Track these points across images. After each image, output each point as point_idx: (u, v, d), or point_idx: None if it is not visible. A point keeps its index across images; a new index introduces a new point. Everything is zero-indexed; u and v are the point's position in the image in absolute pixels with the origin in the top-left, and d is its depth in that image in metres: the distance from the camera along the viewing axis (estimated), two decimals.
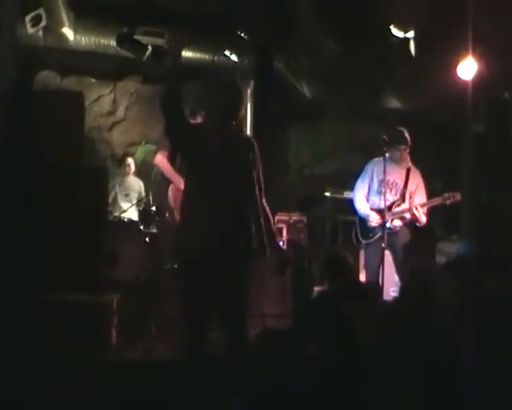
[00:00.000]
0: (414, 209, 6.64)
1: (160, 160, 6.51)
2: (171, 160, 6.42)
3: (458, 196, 6.61)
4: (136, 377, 4.78)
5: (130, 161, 8.94)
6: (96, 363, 4.96)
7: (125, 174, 8.88)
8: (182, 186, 6.35)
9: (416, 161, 7.04)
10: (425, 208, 6.75)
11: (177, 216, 6.38)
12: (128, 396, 4.51)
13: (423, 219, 6.68)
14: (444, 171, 9.28)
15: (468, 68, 7.34)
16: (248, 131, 9.42)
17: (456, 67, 7.41)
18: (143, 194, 8.71)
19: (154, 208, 7.19)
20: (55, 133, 6.01)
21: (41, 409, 4.37)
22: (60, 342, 4.97)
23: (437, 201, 6.74)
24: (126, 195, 8.70)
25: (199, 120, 6.76)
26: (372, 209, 6.76)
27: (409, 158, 6.87)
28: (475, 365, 2.51)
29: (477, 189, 8.40)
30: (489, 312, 2.45)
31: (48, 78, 9.40)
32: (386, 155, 6.66)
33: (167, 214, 6.50)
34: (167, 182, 6.58)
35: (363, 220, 6.79)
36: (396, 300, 3.09)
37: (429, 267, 6.86)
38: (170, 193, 6.52)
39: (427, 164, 7.15)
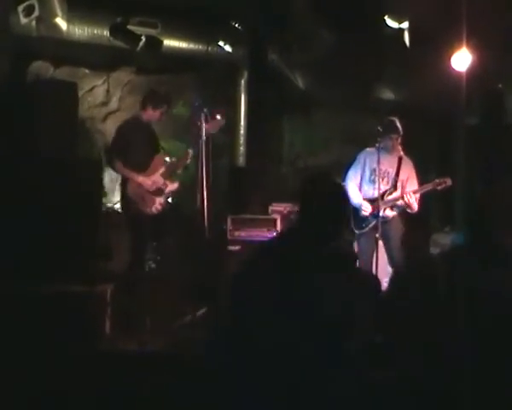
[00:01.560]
0: (406, 196, 6.67)
1: (119, 168, 6.83)
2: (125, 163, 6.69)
3: (449, 182, 6.67)
4: (131, 367, 4.78)
5: None
6: (90, 354, 4.95)
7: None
8: (137, 179, 6.54)
9: (411, 153, 7.06)
10: (417, 196, 6.77)
11: (139, 206, 6.51)
12: (122, 387, 4.50)
13: (415, 205, 6.71)
14: (438, 162, 9.29)
15: (462, 59, 7.34)
16: (242, 122, 9.41)
17: (450, 59, 7.42)
18: None
19: None
20: (49, 124, 5.99)
21: (35, 400, 4.36)
22: (53, 333, 4.96)
23: (428, 187, 6.79)
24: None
25: (148, 111, 6.80)
26: (365, 199, 6.79)
27: (400, 147, 6.89)
28: (471, 360, 2.50)
29: (471, 180, 8.41)
30: (484, 305, 2.44)
31: (41, 68, 9.34)
32: (379, 144, 6.69)
33: (132, 208, 6.60)
34: (125, 180, 6.70)
35: (356, 210, 6.80)
36: (388, 291, 3.08)
37: (423, 258, 6.86)
38: (129, 189, 6.59)
39: (422, 155, 7.16)
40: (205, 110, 6.58)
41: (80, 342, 4.97)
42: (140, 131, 6.87)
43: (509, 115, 8.46)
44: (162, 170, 6.83)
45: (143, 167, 6.74)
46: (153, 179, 6.72)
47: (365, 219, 6.76)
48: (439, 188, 6.69)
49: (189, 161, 6.96)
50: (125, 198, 6.76)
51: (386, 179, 6.85)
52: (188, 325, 6.09)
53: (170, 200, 7.19)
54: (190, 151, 6.89)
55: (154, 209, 6.70)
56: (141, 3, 8.36)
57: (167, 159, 7.14)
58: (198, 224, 6.46)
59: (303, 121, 10.23)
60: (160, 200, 6.76)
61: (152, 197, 6.70)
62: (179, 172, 7.19)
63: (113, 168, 6.87)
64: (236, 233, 7.46)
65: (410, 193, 6.69)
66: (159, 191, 6.78)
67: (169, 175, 6.94)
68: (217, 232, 7.23)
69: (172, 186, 6.97)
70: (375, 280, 4.11)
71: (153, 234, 6.86)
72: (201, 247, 6.66)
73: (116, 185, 8.54)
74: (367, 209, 6.71)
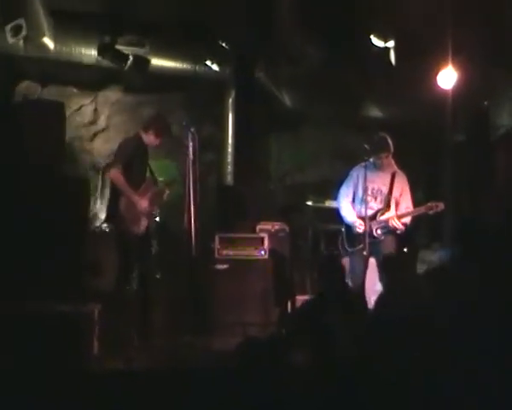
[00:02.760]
0: (392, 221, 6.66)
1: (115, 175, 6.58)
2: (124, 175, 6.53)
3: (442, 206, 6.62)
4: (118, 386, 4.75)
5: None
6: (78, 373, 4.92)
7: (106, 185, 8.84)
8: (134, 199, 6.49)
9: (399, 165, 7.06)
10: (408, 217, 6.76)
11: (129, 225, 6.47)
12: (110, 406, 4.48)
13: (401, 227, 6.70)
14: (425, 178, 9.33)
15: (447, 77, 7.40)
16: (230, 141, 9.43)
17: (436, 76, 7.48)
18: None
19: None
20: (37, 143, 5.99)
21: None
22: (41, 353, 4.93)
23: (420, 210, 6.74)
24: None
25: (151, 135, 6.78)
26: (358, 217, 6.76)
27: (393, 162, 6.89)
28: (458, 374, 2.51)
29: (458, 196, 8.46)
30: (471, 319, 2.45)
31: (29, 88, 9.34)
32: (370, 160, 6.70)
33: (121, 225, 6.54)
34: (118, 194, 6.61)
35: (350, 228, 6.79)
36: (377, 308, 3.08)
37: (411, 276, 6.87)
38: (121, 205, 6.53)
39: (409, 172, 7.16)
40: (192, 129, 6.59)
41: (67, 362, 4.94)
42: (140, 152, 6.82)
43: (494, 132, 8.52)
44: (150, 194, 6.80)
45: (137, 187, 6.70)
46: (146, 202, 6.67)
47: (358, 237, 6.73)
48: (431, 212, 6.65)
49: (165, 196, 6.93)
50: (115, 214, 6.70)
51: (379, 198, 6.82)
52: (175, 343, 6.08)
53: (157, 219, 7.18)
54: (167, 191, 6.90)
55: (141, 229, 6.66)
56: (128, 23, 8.38)
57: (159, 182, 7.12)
58: (185, 243, 6.45)
59: (290, 138, 10.26)
60: (146, 221, 6.72)
61: (141, 217, 6.66)
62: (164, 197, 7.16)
63: (115, 181, 6.74)
64: (224, 252, 7.45)
65: (395, 218, 6.68)
66: (148, 213, 6.74)
67: (156, 200, 6.89)
68: (204, 251, 7.21)
69: (157, 212, 6.96)
70: None
71: (139, 252, 6.82)
72: (188, 266, 6.66)
73: (104, 205, 8.56)
74: (361, 227, 6.66)
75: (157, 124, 6.88)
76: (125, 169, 6.56)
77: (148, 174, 6.89)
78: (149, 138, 6.81)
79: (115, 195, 6.69)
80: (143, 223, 6.64)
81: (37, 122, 6.11)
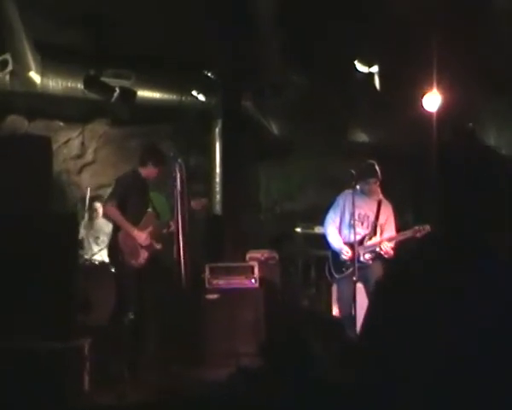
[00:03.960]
0: (383, 244, 6.66)
1: (110, 210, 6.64)
2: (121, 209, 6.56)
3: (428, 228, 6.63)
4: None
5: (97, 205, 8.86)
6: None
7: (94, 218, 8.82)
8: (132, 232, 6.49)
9: (385, 193, 7.07)
10: (393, 242, 6.76)
11: (127, 259, 6.47)
12: None
13: (391, 253, 6.69)
14: (412, 202, 9.35)
15: (432, 100, 7.45)
16: (218, 170, 9.44)
17: (421, 100, 7.52)
18: None
19: None
20: (24, 178, 5.96)
21: None
22: (30, 389, 4.88)
23: (407, 234, 6.74)
24: (97, 237, 8.64)
25: (149, 168, 6.79)
26: (345, 243, 6.74)
27: (379, 190, 6.90)
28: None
29: (444, 218, 8.46)
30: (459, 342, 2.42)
31: (15, 122, 9.36)
32: (357, 187, 6.70)
33: (119, 257, 6.54)
34: (116, 229, 6.64)
35: (336, 254, 6.77)
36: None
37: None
38: (120, 239, 6.54)
39: (395, 195, 7.18)
40: (179, 160, 6.60)
41: (57, 400, 4.89)
42: (138, 186, 6.84)
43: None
44: (151, 228, 6.80)
45: (136, 222, 6.72)
46: (145, 235, 6.67)
47: (345, 263, 6.70)
48: (418, 235, 6.64)
49: (165, 230, 6.96)
50: (113, 247, 6.71)
51: (365, 224, 6.82)
52: (167, 376, 6.03)
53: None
54: (172, 225, 6.90)
55: (140, 262, 6.65)
56: (114, 55, 8.41)
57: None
58: (176, 274, 6.43)
59: (278, 167, 10.29)
60: (145, 254, 6.71)
61: (140, 250, 6.67)
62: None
63: (111, 215, 6.77)
64: (214, 281, 7.41)
65: (386, 243, 6.67)
66: (147, 246, 6.73)
67: (156, 235, 6.89)
68: (195, 282, 7.18)
69: (158, 245, 6.92)
70: None
71: (135, 286, 6.80)
72: (180, 297, 6.62)
73: (92, 239, 8.54)
74: (347, 254, 6.64)
75: (154, 154, 6.91)
76: (122, 204, 6.59)
77: (149, 208, 6.93)
78: (148, 171, 6.83)
79: (114, 227, 6.73)
80: (142, 256, 6.63)
81: (24, 157, 6.07)
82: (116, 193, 6.69)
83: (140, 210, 6.82)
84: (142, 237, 6.61)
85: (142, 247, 6.62)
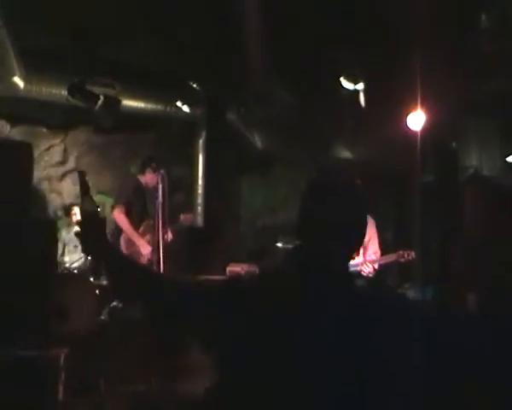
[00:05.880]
0: (365, 266, 6.63)
1: (119, 217, 6.83)
2: (127, 213, 6.79)
3: (413, 255, 6.59)
4: None
5: (76, 210, 8.80)
6: None
7: (72, 224, 8.75)
8: (138, 242, 6.54)
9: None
10: (376, 264, 6.73)
11: None
12: None
13: (371, 270, 6.67)
14: (394, 219, 9.38)
15: (417, 119, 7.49)
16: (200, 182, 9.41)
17: (405, 118, 7.56)
18: None
19: None
20: (3, 184, 5.90)
21: None
22: (4, 398, 4.80)
23: (391, 258, 6.69)
24: (75, 246, 8.55)
25: (148, 175, 6.86)
26: None
27: None
28: None
29: (428, 237, 8.49)
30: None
31: None
32: None
33: None
34: (118, 232, 6.71)
35: None
36: None
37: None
38: (122, 242, 6.63)
39: (378, 213, 7.19)
40: (161, 171, 6.59)
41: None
42: (139, 194, 6.93)
43: (462, 172, 8.61)
44: (148, 237, 6.85)
45: (136, 228, 6.79)
46: (150, 249, 6.74)
47: None
48: (402, 260, 6.60)
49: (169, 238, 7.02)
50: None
51: None
52: (143, 390, 5.97)
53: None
54: (171, 235, 6.97)
55: None
56: (99, 63, 8.37)
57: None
58: None
59: (261, 180, 10.29)
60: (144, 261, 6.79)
61: (140, 258, 6.75)
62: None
63: (119, 222, 6.82)
64: None
65: (368, 264, 6.64)
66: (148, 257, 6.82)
67: (152, 243, 6.91)
68: None
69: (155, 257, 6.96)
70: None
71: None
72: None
73: (72, 246, 8.46)
74: None
75: (150, 162, 7.01)
76: (127, 210, 6.68)
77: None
78: (148, 178, 6.93)
79: (116, 232, 6.80)
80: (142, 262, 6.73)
81: (4, 162, 6.00)
82: (123, 198, 6.80)
83: (140, 217, 6.89)
84: (147, 249, 6.70)
85: (141, 255, 6.69)
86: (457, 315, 2.47)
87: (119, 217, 6.76)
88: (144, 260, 6.73)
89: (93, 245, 2.44)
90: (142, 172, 7.03)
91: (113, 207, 7.12)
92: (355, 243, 2.34)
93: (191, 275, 7.51)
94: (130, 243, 6.76)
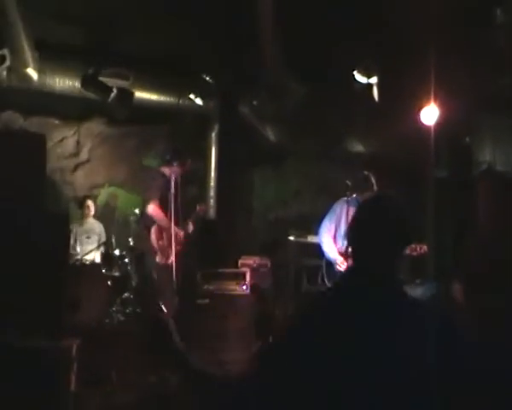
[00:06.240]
0: None
1: (155, 209, 7.21)
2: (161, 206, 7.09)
3: (425, 248, 6.56)
4: None
5: (89, 202, 8.84)
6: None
7: (85, 216, 8.78)
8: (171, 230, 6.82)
9: None
10: None
11: (159, 257, 6.86)
12: None
13: None
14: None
15: (430, 114, 7.45)
16: (212, 175, 9.42)
17: (418, 113, 7.52)
18: (104, 237, 8.62)
19: (117, 252, 7.26)
20: (17, 175, 5.92)
21: None
22: (17, 389, 4.83)
23: None
24: (88, 237, 8.59)
25: (177, 166, 7.01)
26: (339, 253, 6.67)
27: None
28: None
29: (441, 232, 8.46)
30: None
31: (11, 118, 9.31)
32: (353, 196, 6.66)
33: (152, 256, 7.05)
34: (149, 226, 7.02)
35: (330, 264, 6.70)
36: None
37: None
38: (152, 235, 6.88)
39: None
40: (175, 163, 6.64)
41: (44, 400, 4.84)
42: (165, 186, 7.10)
43: (475, 167, 8.56)
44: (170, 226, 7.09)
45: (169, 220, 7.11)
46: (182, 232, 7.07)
47: (338, 272, 6.63)
48: (414, 253, 6.57)
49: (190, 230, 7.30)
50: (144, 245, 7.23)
51: None
52: (155, 381, 5.99)
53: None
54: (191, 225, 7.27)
55: (168, 262, 6.97)
56: (112, 55, 8.38)
57: None
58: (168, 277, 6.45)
59: (273, 173, 10.28)
60: (172, 256, 6.99)
61: (169, 252, 6.92)
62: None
63: (155, 215, 7.11)
64: (205, 287, 7.37)
65: None
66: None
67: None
68: (188, 286, 7.17)
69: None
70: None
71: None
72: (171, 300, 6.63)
73: (84, 237, 8.49)
74: (342, 265, 6.55)
75: (176, 154, 7.18)
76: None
77: None
78: (173, 170, 7.09)
79: (147, 225, 7.10)
80: (171, 258, 6.90)
81: (18, 153, 6.02)
82: (157, 191, 7.05)
83: (166, 209, 7.07)
84: (180, 233, 6.92)
85: (168, 246, 6.91)
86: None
87: (155, 210, 7.04)
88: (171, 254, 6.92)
89: None
90: (169, 164, 7.16)
91: (149, 200, 7.39)
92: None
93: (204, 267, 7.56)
94: (160, 235, 7.01)
